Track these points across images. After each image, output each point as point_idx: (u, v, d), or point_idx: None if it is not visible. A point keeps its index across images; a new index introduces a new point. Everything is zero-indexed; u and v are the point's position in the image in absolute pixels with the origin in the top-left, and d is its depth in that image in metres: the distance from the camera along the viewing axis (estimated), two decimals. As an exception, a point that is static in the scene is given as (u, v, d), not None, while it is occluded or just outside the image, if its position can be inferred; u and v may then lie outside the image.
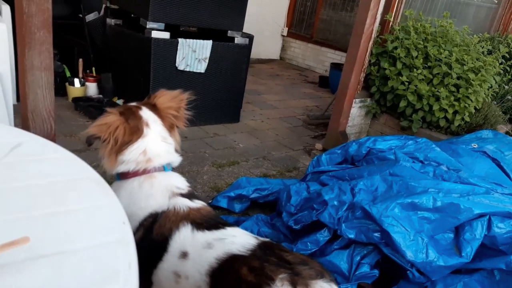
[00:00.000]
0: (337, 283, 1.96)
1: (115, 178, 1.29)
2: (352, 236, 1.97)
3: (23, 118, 1.97)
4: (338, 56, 7.08)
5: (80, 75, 4.03)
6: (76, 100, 3.84)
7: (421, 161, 2.44)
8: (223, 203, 2.55)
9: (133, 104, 1.34)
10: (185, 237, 1.08)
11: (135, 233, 1.14)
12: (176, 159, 1.32)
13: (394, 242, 1.86)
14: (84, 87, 4.00)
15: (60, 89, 3.92)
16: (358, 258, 2.02)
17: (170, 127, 1.34)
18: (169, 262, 1.07)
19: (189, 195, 1.22)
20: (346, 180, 2.24)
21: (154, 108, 1.32)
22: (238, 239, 1.05)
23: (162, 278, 1.08)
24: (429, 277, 1.87)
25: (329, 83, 6.27)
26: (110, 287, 0.53)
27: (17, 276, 0.53)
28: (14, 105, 2.87)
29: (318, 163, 2.69)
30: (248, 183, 2.69)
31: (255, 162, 3.35)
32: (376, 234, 1.94)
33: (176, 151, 1.34)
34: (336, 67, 6.08)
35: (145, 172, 1.22)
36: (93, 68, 4.14)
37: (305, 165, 3.43)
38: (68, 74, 4.01)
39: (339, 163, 2.69)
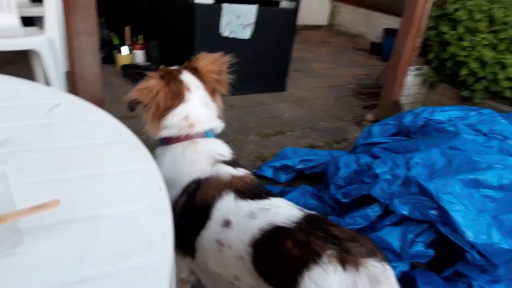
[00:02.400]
0: (389, 262, 1.87)
1: (159, 143, 1.26)
2: (405, 212, 1.85)
3: (71, 84, 1.99)
4: (391, 22, 6.62)
5: (128, 42, 4.06)
6: (124, 67, 3.89)
7: (485, 134, 2.22)
8: (268, 173, 2.49)
9: (174, 67, 1.28)
10: (228, 205, 1.03)
11: (178, 199, 1.11)
12: (219, 125, 1.26)
13: (453, 221, 1.71)
14: (131, 55, 4.03)
15: (108, 57, 3.98)
16: (411, 236, 1.90)
17: (212, 92, 1.28)
18: (212, 230, 1.03)
19: (232, 163, 1.17)
20: (400, 153, 2.08)
21: (195, 71, 1.26)
22: (282, 210, 0.98)
23: (206, 246, 1.05)
24: (490, 260, 1.72)
25: (381, 50, 5.91)
26: (143, 257, 0.48)
27: (48, 240, 0.49)
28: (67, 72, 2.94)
29: (369, 134, 2.54)
30: (294, 154, 2.60)
31: (302, 132, 3.24)
32: (432, 212, 1.80)
33: (219, 117, 1.27)
34: (390, 32, 5.70)
35: (187, 137, 1.18)
36: (140, 36, 4.14)
37: (355, 136, 3.28)
38: (116, 41, 4.05)
39: (392, 135, 2.52)
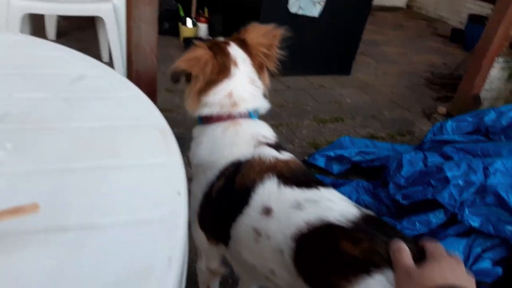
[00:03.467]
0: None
1: (197, 122, 1.15)
2: (476, 224, 1.61)
3: (127, 53, 1.94)
4: (478, 7, 5.95)
5: (193, 15, 4.00)
6: (186, 40, 3.84)
7: None
8: (320, 162, 2.32)
9: (221, 38, 1.16)
10: (269, 191, 0.91)
11: (215, 183, 1.00)
12: (264, 105, 1.12)
13: (534, 242, 1.46)
14: (195, 28, 3.97)
15: (173, 29, 3.96)
16: (478, 250, 1.67)
17: (259, 68, 1.14)
18: (249, 216, 0.92)
19: (277, 146, 1.04)
20: (477, 156, 1.81)
21: (243, 44, 1.12)
22: (335, 206, 0.84)
23: (241, 234, 0.94)
24: None
25: (463, 38, 5.34)
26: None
27: (20, 253, 0.39)
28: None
29: (441, 130, 2.26)
30: (351, 144, 2.40)
31: (362, 121, 3.01)
32: (509, 228, 1.55)
33: (265, 96, 1.14)
34: (475, 19, 5.13)
35: (229, 117, 1.06)
36: (206, 9, 4.07)
37: (422, 130, 2.98)
38: (181, 13, 4.01)
39: (468, 133, 2.22)
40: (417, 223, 1.77)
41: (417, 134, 2.95)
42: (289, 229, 0.82)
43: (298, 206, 0.85)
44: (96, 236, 0.42)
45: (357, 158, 2.33)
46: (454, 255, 0.70)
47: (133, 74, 1.90)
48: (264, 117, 1.14)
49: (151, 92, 2.00)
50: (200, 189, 1.03)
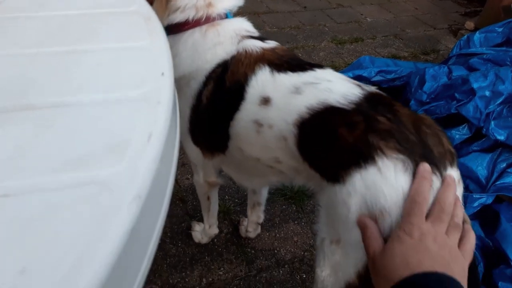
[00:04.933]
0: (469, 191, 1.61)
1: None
2: (501, 138, 1.53)
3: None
4: None
5: None
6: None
7: None
8: (339, 84, 2.22)
9: None
10: (263, 81, 0.87)
11: (203, 90, 0.96)
12: (238, 2, 1.02)
13: None
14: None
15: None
16: (503, 165, 1.60)
17: None
18: (247, 110, 0.88)
19: (261, 38, 0.97)
20: (506, 66, 1.68)
21: None
22: (336, 86, 0.79)
23: (240, 129, 0.91)
24: None
25: None
26: (104, 169, 0.33)
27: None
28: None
29: (468, 43, 2.10)
30: (371, 63, 2.27)
31: (384, 40, 2.82)
32: (538, 140, 1.47)
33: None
34: None
35: (208, 20, 0.96)
36: None
37: (448, 48, 2.79)
38: None
39: (497, 45, 2.05)
40: (438, 140, 1.70)
41: (442, 52, 2.77)
42: (291, 116, 0.80)
43: (296, 90, 0.81)
44: (67, 113, 0.39)
45: (377, 78, 2.21)
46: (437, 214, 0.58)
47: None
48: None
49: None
50: (187, 103, 0.98)
